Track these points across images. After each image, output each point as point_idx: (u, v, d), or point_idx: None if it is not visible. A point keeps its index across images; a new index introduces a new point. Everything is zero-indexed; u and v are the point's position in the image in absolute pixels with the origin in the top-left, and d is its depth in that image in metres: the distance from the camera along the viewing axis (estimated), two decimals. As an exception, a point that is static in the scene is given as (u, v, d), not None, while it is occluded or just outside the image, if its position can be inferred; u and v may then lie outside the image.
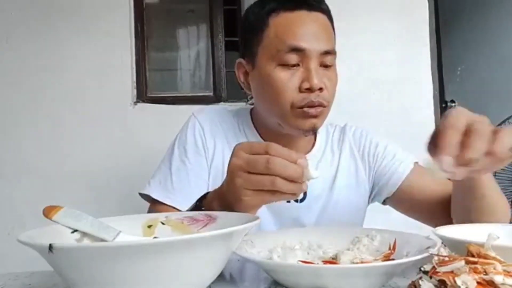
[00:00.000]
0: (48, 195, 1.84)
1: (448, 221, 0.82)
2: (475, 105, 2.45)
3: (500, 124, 1.94)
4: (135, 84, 1.97)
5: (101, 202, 1.79)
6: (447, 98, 2.61)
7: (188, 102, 2.00)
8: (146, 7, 2.06)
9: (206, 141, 0.91)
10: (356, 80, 1.97)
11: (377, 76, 1.99)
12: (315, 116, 0.81)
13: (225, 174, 0.62)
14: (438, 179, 0.91)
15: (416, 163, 0.93)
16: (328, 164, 0.95)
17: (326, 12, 0.85)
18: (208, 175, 0.90)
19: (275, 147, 0.56)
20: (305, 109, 0.80)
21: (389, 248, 0.58)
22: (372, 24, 2.00)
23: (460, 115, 0.55)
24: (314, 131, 0.84)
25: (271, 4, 0.83)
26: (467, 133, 0.53)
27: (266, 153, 0.56)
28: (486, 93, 2.43)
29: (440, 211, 0.85)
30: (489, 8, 2.42)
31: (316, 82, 0.79)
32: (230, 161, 0.60)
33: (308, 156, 0.90)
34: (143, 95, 1.99)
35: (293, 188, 0.56)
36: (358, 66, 1.98)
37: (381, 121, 1.88)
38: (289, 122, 0.83)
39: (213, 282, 0.48)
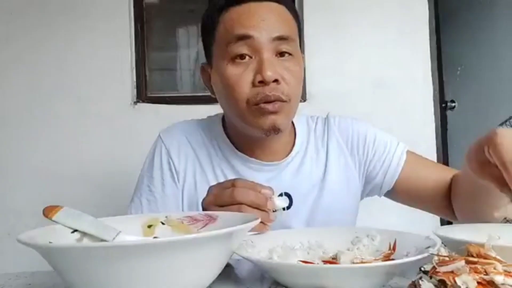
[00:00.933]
0: (48, 195, 1.84)
1: (449, 205, 0.83)
2: (475, 105, 2.46)
3: (501, 125, 1.94)
4: (135, 84, 1.97)
5: (101, 202, 1.79)
6: (447, 98, 2.61)
7: (188, 102, 2.00)
8: (146, 7, 2.06)
9: (174, 165, 0.87)
10: (356, 80, 1.97)
11: (377, 76, 1.99)
12: (273, 112, 0.75)
13: (199, 197, 0.67)
14: (432, 165, 0.92)
15: (408, 150, 0.90)
16: (314, 164, 0.89)
17: (281, 1, 0.80)
18: (181, 199, 0.87)
19: (240, 180, 0.62)
20: (261, 105, 0.74)
21: (389, 248, 0.58)
22: (372, 24, 2.00)
23: None
24: (276, 130, 0.77)
25: (220, 2, 0.79)
26: None
27: (233, 185, 0.61)
28: (486, 93, 2.43)
29: (440, 196, 0.84)
30: (489, 8, 2.42)
31: (269, 73, 0.73)
32: (203, 200, 0.65)
33: (287, 159, 0.87)
34: (143, 95, 1.99)
35: (260, 215, 0.57)
36: (358, 66, 1.98)
37: (381, 121, 1.87)
38: (247, 122, 0.78)
39: (213, 282, 0.48)
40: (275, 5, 0.78)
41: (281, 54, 0.76)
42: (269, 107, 0.75)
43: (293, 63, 0.78)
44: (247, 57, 0.75)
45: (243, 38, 0.74)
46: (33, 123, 1.91)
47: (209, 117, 0.96)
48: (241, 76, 0.75)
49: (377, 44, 2.00)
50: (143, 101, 1.98)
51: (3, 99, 1.91)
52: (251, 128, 0.79)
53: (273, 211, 0.62)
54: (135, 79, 1.97)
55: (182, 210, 0.86)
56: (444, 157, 2.26)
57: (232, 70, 0.76)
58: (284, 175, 0.87)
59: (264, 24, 0.75)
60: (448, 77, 2.58)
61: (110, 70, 1.94)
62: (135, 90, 1.97)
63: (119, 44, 1.95)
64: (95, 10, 1.95)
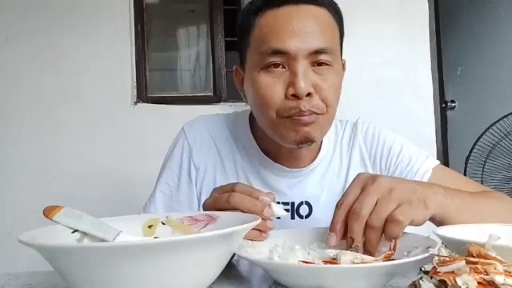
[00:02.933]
0: (49, 195, 1.84)
1: None
2: (475, 105, 2.46)
3: (498, 121, 1.94)
4: (135, 84, 1.97)
5: (101, 202, 1.79)
6: (447, 98, 2.61)
7: (188, 102, 2.00)
8: (146, 7, 2.06)
9: (194, 162, 0.85)
10: (356, 80, 1.97)
11: (377, 76, 1.99)
12: (306, 124, 0.71)
13: None
14: (463, 182, 0.83)
15: (438, 166, 0.83)
16: (335, 176, 0.85)
17: (322, 4, 0.74)
18: (199, 195, 0.85)
19: (240, 185, 0.61)
20: (295, 117, 0.70)
21: (390, 249, 0.58)
22: (372, 24, 2.01)
23: (349, 191, 0.58)
24: (309, 142, 0.73)
25: (257, 3, 0.74)
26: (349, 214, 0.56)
27: (232, 190, 0.60)
28: (486, 93, 2.43)
29: None
30: (489, 8, 2.42)
31: (302, 86, 0.68)
32: (204, 201, 0.65)
33: (312, 166, 0.83)
34: (143, 95, 2.00)
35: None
36: (358, 66, 1.98)
37: (381, 121, 1.87)
38: (278, 133, 0.74)
39: (213, 282, 0.48)
40: (315, 9, 0.72)
41: (318, 64, 0.71)
42: (305, 118, 0.70)
43: (331, 73, 0.73)
44: (280, 67, 0.71)
45: (278, 52, 0.70)
46: (34, 123, 1.91)
47: (236, 113, 0.92)
48: (273, 87, 0.71)
49: (377, 44, 2.00)
50: (143, 101, 1.98)
51: (4, 99, 1.92)
52: (281, 140, 0.75)
53: (278, 217, 0.62)
54: (135, 79, 1.97)
55: (198, 208, 0.84)
56: (444, 157, 2.26)
57: (264, 79, 0.72)
58: (307, 183, 0.84)
59: (301, 35, 0.69)
60: (448, 77, 2.58)
61: (110, 70, 1.95)
62: (135, 90, 1.97)
63: (119, 44, 1.95)
64: (95, 11, 1.95)
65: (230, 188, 0.61)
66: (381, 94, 1.99)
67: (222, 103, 2.05)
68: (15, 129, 1.91)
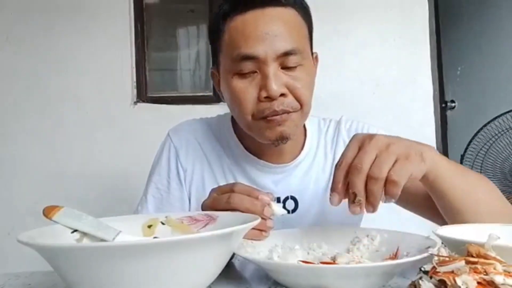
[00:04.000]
0: (48, 195, 1.84)
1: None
2: (475, 105, 2.46)
3: (496, 118, 1.93)
4: (135, 84, 1.97)
5: (101, 202, 1.79)
6: (447, 98, 2.61)
7: (188, 102, 2.00)
8: (146, 7, 2.06)
9: (181, 164, 0.87)
10: (356, 80, 1.97)
11: (377, 76, 1.99)
12: (280, 124, 0.73)
13: (207, 195, 0.66)
14: None
15: None
16: (320, 170, 0.88)
17: (288, 4, 0.74)
18: (189, 198, 0.86)
19: (239, 185, 0.62)
20: (269, 117, 0.72)
21: (390, 256, 0.58)
22: (372, 24, 2.00)
23: (347, 151, 0.58)
24: (284, 139, 0.75)
25: (225, 7, 0.75)
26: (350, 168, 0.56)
27: (231, 190, 0.61)
28: (486, 93, 2.43)
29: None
30: (489, 8, 2.42)
31: (274, 88, 0.70)
32: (203, 202, 0.65)
33: (296, 161, 0.86)
34: (143, 95, 2.00)
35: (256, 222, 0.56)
36: (358, 66, 1.98)
37: (381, 121, 1.88)
38: (254, 133, 0.77)
39: (213, 282, 0.48)
40: (281, 10, 0.73)
41: (288, 65, 0.73)
42: (277, 118, 0.72)
43: (302, 72, 0.74)
44: (251, 71, 0.73)
45: (248, 58, 0.71)
46: (33, 123, 1.91)
47: (219, 116, 0.94)
48: (246, 91, 0.73)
49: (377, 44, 2.00)
50: (143, 101, 1.98)
51: (4, 99, 1.92)
52: (259, 139, 0.78)
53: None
54: (135, 79, 1.97)
55: (189, 209, 0.86)
56: (444, 157, 2.26)
57: (237, 84, 0.73)
58: (292, 178, 0.86)
59: (269, 39, 0.70)
60: (448, 77, 2.59)
61: (110, 70, 1.95)
62: (135, 90, 1.97)
63: (119, 44, 1.95)
64: (95, 11, 1.95)
65: (229, 189, 0.62)
66: (381, 94, 1.99)
67: (221, 103, 2.05)
68: (14, 129, 1.91)
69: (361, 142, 0.58)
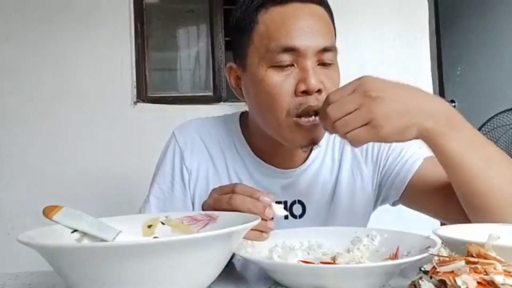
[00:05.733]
0: (48, 195, 1.84)
1: (460, 209, 0.70)
2: (475, 105, 2.46)
3: (494, 117, 1.93)
4: (135, 84, 1.97)
5: (101, 202, 1.79)
6: (447, 98, 2.61)
7: (188, 102, 2.00)
8: (146, 7, 2.06)
9: (186, 165, 0.85)
10: (356, 80, 1.97)
11: (377, 76, 1.99)
12: (312, 129, 0.71)
13: None
14: None
15: (431, 157, 0.78)
16: (328, 174, 0.85)
17: (323, 3, 0.75)
18: (193, 198, 0.85)
19: (240, 186, 0.61)
20: (302, 119, 0.70)
21: (390, 256, 0.58)
22: (372, 24, 2.01)
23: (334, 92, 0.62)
24: (314, 144, 0.74)
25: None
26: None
27: (232, 191, 0.60)
28: (486, 93, 2.43)
29: (449, 198, 0.71)
30: (489, 8, 2.42)
31: (313, 82, 0.69)
32: (203, 202, 0.64)
33: (304, 166, 0.84)
34: (143, 95, 2.00)
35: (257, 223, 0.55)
36: (358, 66, 1.97)
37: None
38: (283, 136, 0.74)
39: (213, 282, 0.48)
40: (318, 8, 0.73)
41: (323, 62, 0.72)
42: (308, 124, 0.70)
43: (335, 71, 0.74)
44: (289, 64, 0.71)
45: (288, 50, 0.69)
46: (33, 123, 1.91)
47: (226, 115, 0.92)
48: (283, 84, 0.70)
49: (377, 44, 2.00)
50: (143, 101, 1.98)
51: (3, 99, 1.92)
52: (286, 141, 0.75)
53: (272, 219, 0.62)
54: (135, 79, 1.97)
55: (193, 210, 0.84)
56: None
57: (273, 77, 0.71)
58: (300, 183, 0.84)
59: (310, 34, 0.70)
60: (448, 77, 2.59)
61: (110, 70, 1.95)
62: (135, 90, 1.97)
63: (119, 44, 1.95)
64: (95, 10, 1.95)
65: (230, 189, 0.61)
66: (381, 94, 1.99)
67: (222, 102, 2.05)
68: (14, 129, 1.91)
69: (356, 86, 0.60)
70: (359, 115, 0.58)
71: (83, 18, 1.94)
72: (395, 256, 0.57)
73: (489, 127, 1.95)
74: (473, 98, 2.51)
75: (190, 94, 2.13)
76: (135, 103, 1.96)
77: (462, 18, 2.56)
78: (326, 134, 0.87)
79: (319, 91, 0.70)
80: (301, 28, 0.70)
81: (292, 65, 0.71)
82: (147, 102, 1.98)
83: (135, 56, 1.98)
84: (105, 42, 1.94)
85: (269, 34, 0.71)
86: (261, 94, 0.73)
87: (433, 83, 2.05)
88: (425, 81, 2.03)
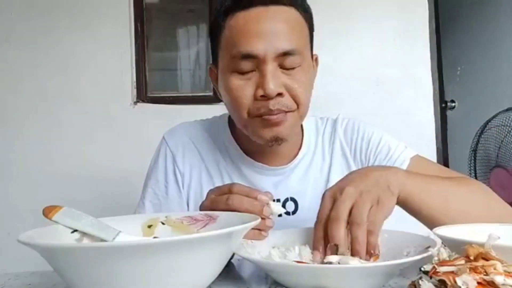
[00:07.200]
0: (48, 195, 1.84)
1: None
2: (475, 105, 2.46)
3: (494, 117, 1.93)
4: (135, 84, 1.97)
5: (101, 202, 1.79)
6: (447, 98, 2.61)
7: (188, 102, 2.00)
8: (146, 7, 2.06)
9: (178, 168, 0.86)
10: (356, 80, 1.97)
11: (377, 76, 1.99)
12: (276, 124, 0.73)
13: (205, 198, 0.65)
14: (436, 170, 0.84)
15: (416, 156, 0.84)
16: (318, 171, 0.87)
17: (295, 4, 0.74)
18: (187, 201, 0.86)
19: (237, 186, 0.62)
20: (265, 116, 0.72)
21: (375, 253, 0.57)
22: (372, 24, 2.00)
23: (322, 207, 0.59)
24: (279, 141, 0.75)
25: (227, 3, 0.74)
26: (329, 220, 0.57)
27: (229, 191, 0.61)
28: (486, 93, 2.43)
29: None
30: (489, 8, 2.42)
31: (271, 87, 0.69)
32: (201, 203, 0.65)
33: (294, 162, 0.85)
34: (143, 95, 1.99)
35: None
36: (358, 66, 1.98)
37: (381, 121, 1.87)
38: (249, 132, 0.76)
39: (213, 282, 0.48)
40: (284, 9, 0.72)
41: (287, 65, 0.72)
42: (273, 117, 0.72)
43: (301, 73, 0.74)
44: (250, 69, 0.72)
45: (247, 56, 0.71)
46: (33, 123, 1.91)
47: (214, 117, 0.94)
48: (243, 88, 0.72)
49: (377, 44, 2.00)
50: (143, 101, 1.98)
51: (4, 99, 1.91)
52: (253, 137, 0.77)
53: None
54: (135, 79, 1.97)
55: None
56: (444, 157, 2.26)
57: (235, 81, 0.73)
58: (291, 180, 0.85)
59: (269, 37, 0.70)
60: (448, 77, 2.58)
61: (110, 70, 1.94)
62: (135, 90, 1.97)
63: (119, 44, 1.95)
64: (95, 10, 1.95)
65: (227, 189, 0.62)
66: (381, 94, 1.99)
67: (221, 103, 2.04)
68: (15, 129, 1.91)
69: (333, 196, 0.59)
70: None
71: (83, 18, 1.94)
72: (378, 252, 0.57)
73: (489, 127, 1.95)
74: (473, 98, 2.51)
75: (190, 94, 2.12)
76: (135, 103, 1.96)
77: (462, 18, 2.56)
78: (315, 131, 0.91)
79: (280, 94, 0.71)
80: (260, 33, 0.70)
81: (253, 70, 0.72)
82: (147, 102, 1.98)
83: (135, 56, 1.98)
84: (105, 42, 1.94)
85: (232, 39, 0.73)
86: (227, 96, 0.76)
87: (433, 83, 2.04)
88: (425, 81, 2.03)
